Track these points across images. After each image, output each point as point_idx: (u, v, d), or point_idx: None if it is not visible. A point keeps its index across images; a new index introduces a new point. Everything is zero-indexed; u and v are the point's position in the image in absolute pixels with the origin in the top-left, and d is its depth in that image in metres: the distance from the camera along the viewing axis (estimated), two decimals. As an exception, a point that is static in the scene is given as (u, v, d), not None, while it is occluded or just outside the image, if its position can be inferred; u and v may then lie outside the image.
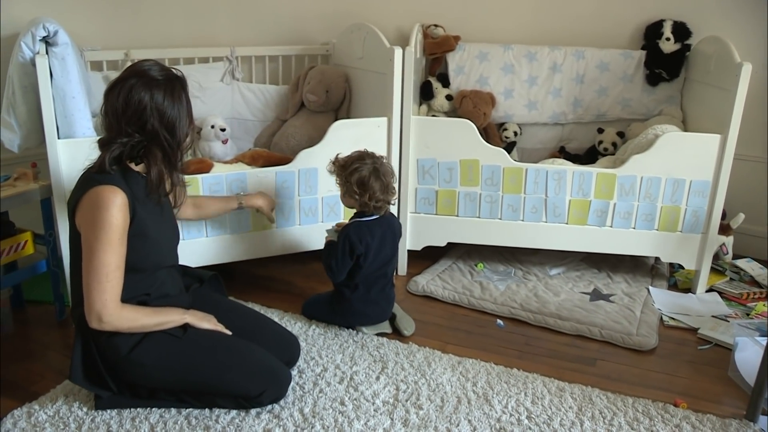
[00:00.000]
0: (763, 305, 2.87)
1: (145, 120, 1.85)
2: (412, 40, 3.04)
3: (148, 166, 1.91)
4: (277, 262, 3.13)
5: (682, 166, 2.87)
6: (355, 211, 2.59)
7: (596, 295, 2.94)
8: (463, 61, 3.54)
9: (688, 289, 3.07)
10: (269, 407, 2.08)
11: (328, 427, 2.00)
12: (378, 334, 2.58)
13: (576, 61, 3.48)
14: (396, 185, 2.58)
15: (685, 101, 3.40)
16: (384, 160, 2.54)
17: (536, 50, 3.50)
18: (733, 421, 2.09)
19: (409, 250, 3.16)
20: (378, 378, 2.27)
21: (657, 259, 3.29)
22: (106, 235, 1.82)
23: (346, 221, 2.63)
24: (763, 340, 2.39)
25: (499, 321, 2.74)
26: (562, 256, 3.32)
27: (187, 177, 2.59)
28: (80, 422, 2.00)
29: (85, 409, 2.05)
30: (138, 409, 2.05)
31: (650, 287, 3.04)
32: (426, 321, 2.72)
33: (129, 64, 3.15)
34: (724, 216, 3.13)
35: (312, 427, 2.00)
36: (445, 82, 3.54)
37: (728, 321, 2.75)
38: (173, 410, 2.05)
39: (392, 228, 2.60)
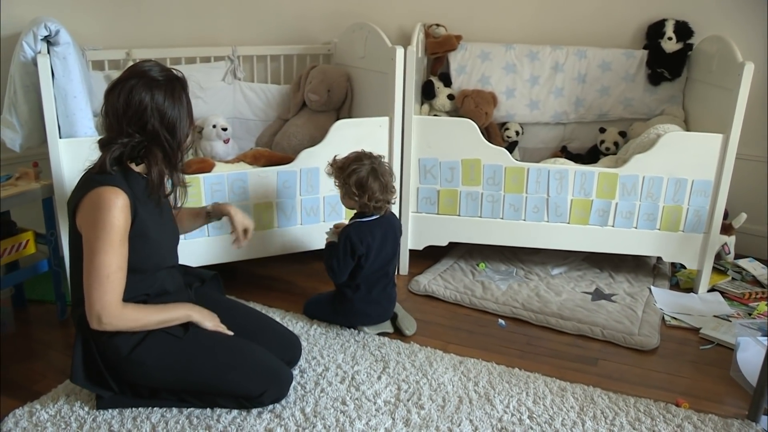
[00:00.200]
0: (765, 305, 2.86)
1: (146, 120, 1.85)
2: (413, 39, 3.03)
3: (149, 166, 1.91)
4: (278, 261, 3.13)
5: (684, 165, 2.87)
6: (355, 211, 2.59)
7: (598, 295, 2.94)
8: (465, 60, 3.54)
9: (690, 289, 3.07)
10: (270, 407, 2.08)
11: (329, 427, 2.00)
12: (379, 334, 2.57)
13: (578, 61, 3.47)
14: (395, 184, 2.57)
15: (687, 101, 3.39)
16: (382, 160, 2.53)
17: (538, 50, 3.50)
18: (735, 421, 2.09)
19: (410, 250, 3.16)
20: (379, 378, 2.27)
21: (659, 258, 3.29)
22: (107, 236, 1.82)
23: (346, 221, 2.63)
24: (765, 340, 2.39)
25: (500, 321, 2.74)
26: (564, 256, 3.32)
27: (188, 177, 2.59)
28: (82, 422, 2.00)
29: (86, 409, 2.05)
30: (139, 408, 2.05)
31: (652, 287, 3.04)
32: (427, 321, 2.72)
33: (130, 63, 3.16)
34: (726, 216, 3.12)
35: (313, 427, 2.00)
36: (447, 81, 3.54)
37: (730, 321, 2.75)
38: (174, 410, 2.05)
39: (393, 227, 2.60)
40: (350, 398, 2.15)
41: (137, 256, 1.91)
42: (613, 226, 2.98)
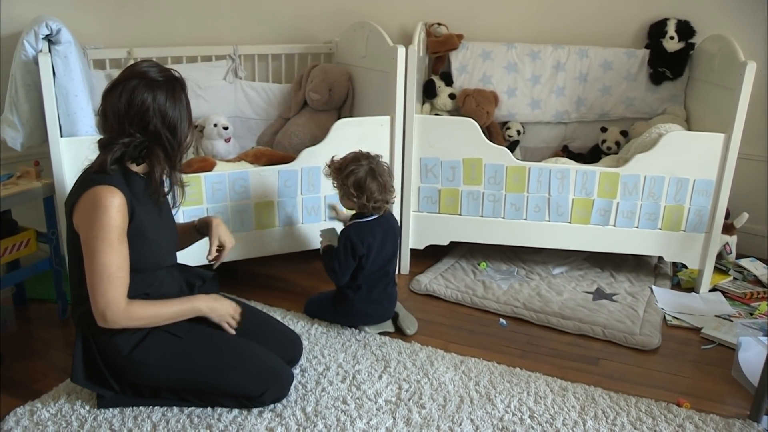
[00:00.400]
0: (767, 305, 2.86)
1: (148, 121, 1.85)
2: (415, 38, 3.03)
3: (151, 166, 1.91)
4: (279, 260, 3.13)
5: (685, 165, 2.86)
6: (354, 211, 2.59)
7: (599, 295, 2.93)
8: (466, 59, 3.54)
9: (692, 289, 3.06)
10: (271, 406, 2.08)
11: (330, 426, 2.00)
12: (381, 333, 2.57)
13: (579, 60, 3.47)
14: (394, 184, 2.57)
15: (688, 100, 3.39)
16: (380, 160, 2.53)
17: (539, 49, 3.49)
18: (736, 422, 2.09)
19: (411, 249, 3.15)
20: (380, 377, 2.27)
21: (660, 258, 3.29)
22: (105, 236, 1.82)
23: (343, 209, 2.67)
24: (766, 340, 2.39)
25: (501, 320, 2.74)
26: (565, 255, 3.31)
27: (189, 176, 2.60)
28: (83, 420, 2.00)
29: (87, 408, 2.05)
30: (140, 407, 2.05)
31: (653, 287, 3.04)
32: (428, 320, 2.72)
33: (132, 62, 3.16)
34: (727, 215, 3.12)
35: (314, 426, 2.00)
36: (448, 80, 3.54)
37: (731, 321, 2.74)
38: (175, 409, 2.05)
39: (392, 227, 2.60)
40: (351, 397, 2.15)
41: (136, 255, 1.90)
42: (614, 226, 2.97)
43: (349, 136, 2.85)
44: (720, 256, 3.22)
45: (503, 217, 3.02)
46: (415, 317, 2.67)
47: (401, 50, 2.85)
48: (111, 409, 2.04)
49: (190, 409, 2.05)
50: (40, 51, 2.37)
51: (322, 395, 2.15)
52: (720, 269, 3.18)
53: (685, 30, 3.31)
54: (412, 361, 2.37)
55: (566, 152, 3.55)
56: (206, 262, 2.61)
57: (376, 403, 2.12)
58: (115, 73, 3.13)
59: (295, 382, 2.18)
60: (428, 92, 3.48)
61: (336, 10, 3.72)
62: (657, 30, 3.37)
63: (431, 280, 3.02)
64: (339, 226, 2.71)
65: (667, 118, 3.31)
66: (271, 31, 3.74)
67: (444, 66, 3.59)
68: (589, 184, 2.92)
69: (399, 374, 2.29)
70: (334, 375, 2.27)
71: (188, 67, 3.44)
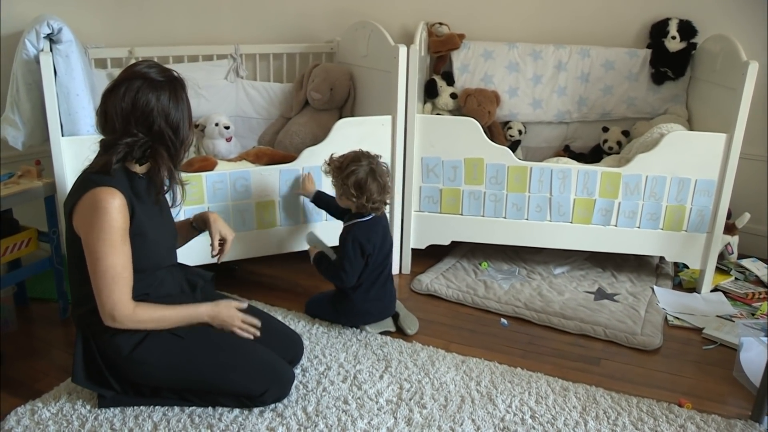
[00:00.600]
0: (769, 305, 2.86)
1: (152, 121, 1.86)
2: (416, 38, 3.03)
3: (156, 165, 1.92)
4: (280, 260, 3.12)
5: (687, 165, 2.86)
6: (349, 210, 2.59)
7: (600, 295, 2.93)
8: (468, 59, 3.53)
9: (693, 289, 3.06)
10: (272, 406, 2.07)
11: (331, 426, 2.00)
12: (382, 333, 2.57)
13: (581, 60, 3.47)
14: (391, 184, 2.57)
15: (690, 100, 3.38)
16: (379, 160, 2.52)
17: (541, 49, 3.49)
18: (738, 422, 2.08)
19: (413, 249, 3.15)
20: (381, 377, 2.26)
21: (662, 258, 3.28)
22: (108, 238, 1.82)
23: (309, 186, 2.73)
24: (767, 341, 2.39)
25: (503, 320, 2.74)
26: (567, 255, 3.31)
27: (191, 175, 2.60)
28: (83, 420, 2.00)
29: (88, 407, 2.05)
30: (141, 407, 2.05)
31: (655, 287, 3.03)
32: (430, 320, 2.72)
33: (133, 61, 3.16)
34: (729, 215, 3.11)
35: (315, 426, 1.99)
36: (450, 80, 3.54)
37: (733, 321, 2.74)
38: (176, 409, 2.05)
39: (386, 224, 2.62)
40: (352, 397, 2.14)
41: (136, 255, 1.90)
42: (616, 226, 2.97)
43: (350, 135, 2.85)
44: (721, 257, 3.22)
45: (504, 217, 3.01)
46: (417, 317, 2.67)
47: (403, 50, 2.84)
48: (112, 409, 2.04)
49: (191, 408, 2.05)
50: (42, 50, 2.37)
51: (323, 395, 2.15)
52: (721, 269, 3.17)
53: (687, 30, 3.31)
54: (414, 360, 2.37)
55: (568, 152, 3.54)
56: (205, 263, 2.62)
57: (377, 403, 2.12)
58: (117, 72, 3.12)
59: (296, 381, 2.18)
60: (430, 92, 3.47)
61: (337, 10, 3.71)
62: (659, 30, 3.37)
63: (432, 280, 3.02)
64: (316, 226, 2.72)
65: (669, 118, 3.30)
66: (273, 31, 3.74)
67: (445, 65, 3.58)
68: (591, 184, 2.92)
69: (400, 374, 2.28)
70: (335, 375, 2.27)
71: (189, 67, 3.44)
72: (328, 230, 2.83)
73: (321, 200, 2.81)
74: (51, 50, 2.40)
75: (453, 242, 3.14)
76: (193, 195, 2.64)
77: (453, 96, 3.48)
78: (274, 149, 3.22)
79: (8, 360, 2.35)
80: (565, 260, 3.28)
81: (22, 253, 2.58)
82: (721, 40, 3.03)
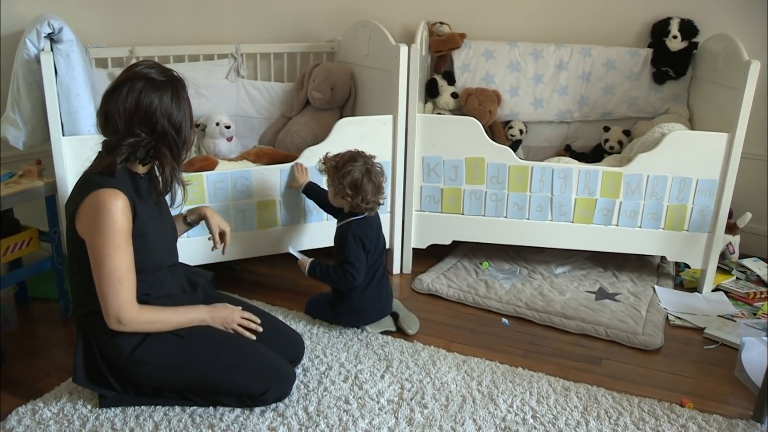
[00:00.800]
0: (770, 305, 2.86)
1: (156, 121, 1.86)
2: (417, 37, 3.02)
3: (161, 165, 1.92)
4: (281, 260, 3.11)
5: (688, 164, 2.86)
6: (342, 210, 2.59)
7: (602, 294, 2.93)
8: (469, 58, 3.53)
9: (694, 289, 3.06)
10: (273, 405, 2.07)
11: (332, 426, 2.00)
12: (382, 333, 2.57)
13: (582, 59, 3.46)
14: (386, 184, 2.57)
15: (691, 99, 3.38)
16: (374, 160, 2.52)
17: (542, 48, 3.48)
18: (740, 422, 2.08)
19: (414, 249, 3.15)
20: (383, 377, 2.26)
21: (663, 258, 3.28)
22: (112, 240, 1.82)
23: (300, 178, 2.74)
24: (770, 340, 2.38)
25: (504, 320, 2.73)
26: (568, 255, 3.31)
27: (192, 174, 2.60)
28: (84, 420, 2.00)
29: (89, 407, 2.05)
30: (142, 407, 2.05)
31: (656, 286, 3.03)
32: (431, 319, 2.71)
33: (134, 60, 3.16)
34: (730, 215, 3.11)
35: (316, 426, 1.99)
36: (451, 79, 3.53)
37: (735, 321, 2.74)
38: (177, 408, 2.05)
39: (379, 222, 2.61)
40: (353, 397, 2.14)
41: (137, 255, 1.90)
42: (617, 226, 2.97)
43: (351, 135, 2.84)
44: (723, 256, 3.21)
45: (506, 217, 3.01)
46: (417, 317, 2.66)
47: (404, 49, 2.84)
48: (113, 409, 2.04)
49: (192, 408, 2.05)
50: (42, 49, 2.37)
51: (324, 395, 2.15)
52: (723, 269, 3.17)
53: (688, 29, 3.31)
54: (415, 360, 2.37)
55: (569, 152, 3.54)
56: (211, 261, 2.63)
57: (378, 402, 2.12)
58: (117, 71, 3.12)
59: (297, 381, 2.18)
60: (431, 91, 3.47)
61: (338, 9, 3.71)
62: (660, 29, 3.36)
63: (433, 280, 3.02)
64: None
65: (670, 117, 3.30)
66: (274, 30, 3.74)
67: (446, 65, 3.58)
68: (592, 184, 2.91)
69: (401, 374, 2.28)
70: (336, 374, 2.27)
71: (190, 66, 3.44)
72: (329, 230, 2.82)
73: (312, 191, 2.79)
74: (52, 50, 2.40)
75: (454, 242, 3.13)
76: (194, 194, 2.64)
77: (454, 95, 3.47)
78: (274, 149, 3.22)
79: (9, 360, 2.35)
80: (567, 260, 3.28)
81: (23, 252, 2.58)
82: (723, 40, 3.03)
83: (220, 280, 2.63)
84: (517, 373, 2.31)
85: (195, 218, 2.36)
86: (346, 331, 2.56)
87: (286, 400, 2.10)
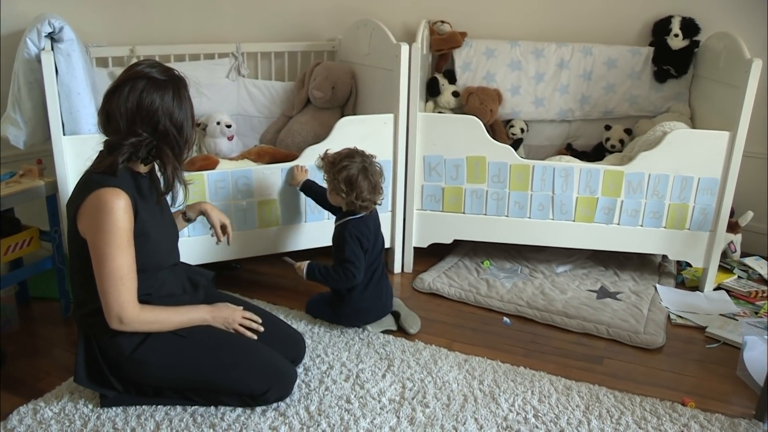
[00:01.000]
0: (772, 304, 2.85)
1: (157, 121, 1.86)
2: (418, 36, 3.02)
3: (163, 165, 1.92)
4: (282, 259, 3.12)
5: (690, 163, 2.85)
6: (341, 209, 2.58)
7: (603, 293, 2.93)
8: (470, 57, 3.53)
9: (696, 287, 3.05)
10: (275, 405, 2.07)
11: (334, 425, 2.00)
12: (384, 332, 2.57)
13: (583, 58, 3.46)
14: (384, 185, 2.56)
15: (693, 98, 3.37)
16: (373, 160, 2.51)
17: (543, 47, 3.48)
18: (742, 421, 2.08)
19: (415, 247, 3.15)
20: (384, 376, 2.26)
21: (664, 257, 3.28)
22: (114, 239, 1.82)
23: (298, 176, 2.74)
24: (772, 339, 2.38)
25: (505, 319, 2.73)
26: (569, 254, 3.30)
27: (193, 174, 2.60)
28: (86, 419, 2.00)
29: (90, 407, 2.05)
30: (143, 406, 2.05)
31: (657, 285, 3.03)
32: (432, 318, 2.71)
33: (134, 60, 3.15)
34: (732, 213, 3.11)
35: (318, 425, 1.99)
36: (452, 78, 3.53)
37: (736, 319, 2.73)
38: (179, 408, 2.05)
39: (378, 221, 2.61)
40: (355, 396, 2.14)
41: (139, 255, 1.90)
42: (618, 224, 2.96)
43: (352, 134, 2.84)
44: (724, 255, 3.21)
45: (507, 216, 3.01)
46: (419, 316, 2.66)
47: (404, 48, 2.84)
48: (114, 408, 2.04)
49: (193, 408, 2.05)
50: (43, 49, 2.37)
51: (326, 394, 2.15)
52: (724, 268, 3.16)
53: (690, 27, 3.30)
54: (416, 359, 2.37)
55: (570, 150, 3.54)
56: (212, 260, 2.62)
57: (379, 402, 2.12)
58: (118, 70, 3.13)
59: (298, 381, 2.18)
60: (432, 90, 3.47)
61: (339, 8, 3.71)
62: (661, 27, 3.36)
63: (434, 279, 3.02)
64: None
65: (672, 116, 3.29)
66: (274, 29, 3.73)
67: (447, 64, 3.58)
68: (593, 183, 2.91)
69: (402, 373, 2.28)
70: (337, 374, 2.27)
71: (191, 65, 3.44)
72: (329, 230, 2.82)
73: (309, 189, 2.79)
74: (52, 49, 2.39)
75: (455, 241, 3.13)
76: (195, 194, 2.64)
77: (455, 94, 3.47)
78: (275, 148, 3.21)
79: (10, 359, 2.35)
80: (568, 259, 3.28)
81: (24, 252, 2.58)
82: (724, 38, 3.02)
83: (221, 280, 2.63)
84: (518, 372, 2.31)
85: (194, 214, 2.38)
86: (348, 331, 2.56)
87: (288, 400, 2.10)
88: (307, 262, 2.55)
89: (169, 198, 2.03)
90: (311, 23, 3.76)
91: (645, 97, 3.45)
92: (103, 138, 1.92)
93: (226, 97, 3.57)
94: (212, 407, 2.05)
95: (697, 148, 2.83)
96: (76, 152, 2.43)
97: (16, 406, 2.06)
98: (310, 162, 2.82)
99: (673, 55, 3.32)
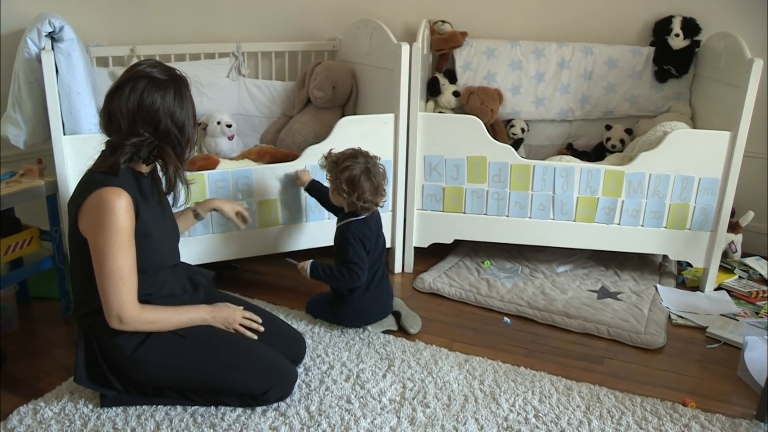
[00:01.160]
0: (773, 304, 2.85)
1: (159, 120, 1.86)
2: (419, 36, 3.02)
3: (165, 165, 1.92)
4: (282, 259, 3.10)
5: (691, 163, 2.85)
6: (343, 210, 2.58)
7: (604, 293, 2.92)
8: (471, 57, 3.52)
9: (697, 288, 3.05)
10: (275, 405, 2.07)
11: (334, 426, 1.99)
12: (384, 332, 2.56)
13: (584, 58, 3.45)
14: (387, 187, 2.56)
15: (694, 98, 3.37)
16: (377, 161, 2.51)
17: (544, 46, 3.48)
18: (743, 421, 2.08)
19: (415, 247, 3.15)
20: (384, 376, 2.26)
21: (665, 257, 3.27)
22: (115, 239, 1.82)
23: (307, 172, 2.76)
24: (772, 340, 2.38)
25: (506, 319, 2.73)
26: (570, 254, 3.30)
27: (193, 174, 2.60)
28: (86, 419, 2.00)
29: (90, 407, 2.05)
30: (144, 406, 2.05)
31: (658, 285, 3.03)
32: (432, 318, 2.71)
33: (135, 59, 3.16)
34: (733, 213, 3.11)
35: (318, 425, 1.99)
36: (452, 78, 3.52)
37: (737, 320, 2.73)
38: (179, 408, 2.05)
39: (380, 222, 2.61)
40: (355, 396, 2.14)
41: (140, 255, 1.90)
42: (619, 224, 2.96)
43: (352, 133, 2.84)
44: (725, 255, 3.21)
45: (507, 216, 3.01)
46: (419, 316, 2.66)
47: (405, 48, 2.84)
48: (114, 408, 2.04)
49: (193, 408, 2.05)
50: (43, 48, 2.37)
51: (326, 394, 2.15)
52: (725, 268, 3.16)
53: (691, 27, 3.29)
54: (416, 359, 2.36)
55: (571, 150, 3.53)
56: (213, 260, 2.63)
57: (380, 402, 2.12)
58: (118, 70, 3.14)
59: (298, 381, 2.18)
60: (432, 90, 3.46)
61: (339, 8, 3.70)
62: (662, 27, 3.35)
63: (435, 279, 3.01)
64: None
65: (672, 115, 3.29)
66: (275, 29, 3.73)
67: (448, 63, 3.57)
68: (594, 183, 2.91)
69: (403, 373, 2.28)
70: (337, 374, 2.27)
71: (191, 65, 3.43)
72: (329, 229, 2.82)
73: (314, 189, 2.78)
74: (53, 48, 2.39)
75: (455, 241, 3.13)
76: (196, 194, 2.63)
77: (455, 94, 3.47)
78: (276, 147, 3.21)
79: (10, 359, 2.34)
80: (568, 258, 3.28)
81: (24, 252, 2.58)
82: (725, 38, 3.02)
83: (221, 280, 2.63)
84: (519, 373, 2.31)
85: (205, 212, 2.44)
86: (348, 331, 2.56)
87: (288, 400, 2.10)
88: (311, 261, 2.55)
89: (170, 198, 2.03)
90: (312, 23, 3.76)
91: (646, 97, 3.45)
92: (105, 138, 1.92)
93: (226, 97, 3.57)
94: (212, 407, 2.05)
95: (697, 148, 2.83)
96: (76, 152, 2.43)
97: (16, 406, 2.06)
98: (310, 162, 2.82)
99: (673, 54, 3.32)
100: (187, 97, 1.93)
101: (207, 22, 3.63)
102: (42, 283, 2.84)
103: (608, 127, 3.44)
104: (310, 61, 3.65)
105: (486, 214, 3.02)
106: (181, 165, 1.95)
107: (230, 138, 3.31)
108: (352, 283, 2.48)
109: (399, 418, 2.04)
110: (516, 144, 3.48)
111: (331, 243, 2.62)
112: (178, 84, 1.91)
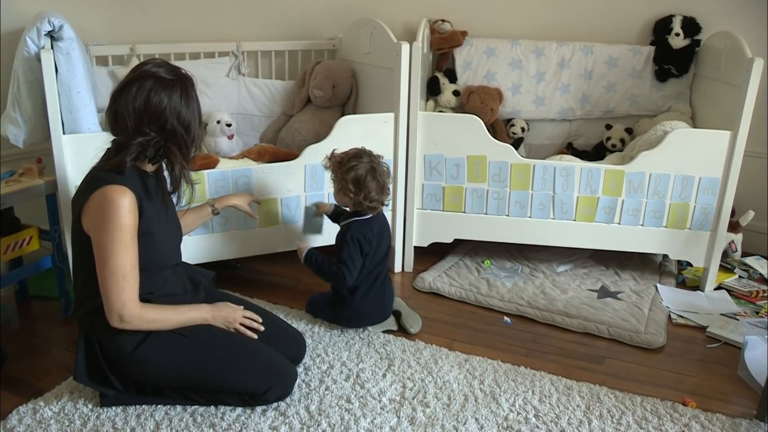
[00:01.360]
0: (773, 303, 2.85)
1: (165, 120, 1.86)
2: (419, 35, 3.01)
3: (171, 164, 1.92)
4: (282, 258, 3.11)
5: (691, 162, 2.85)
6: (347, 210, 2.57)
7: (604, 293, 2.92)
8: (471, 56, 3.52)
9: (697, 287, 3.05)
10: (275, 404, 2.07)
11: (334, 425, 1.99)
12: (384, 332, 2.56)
13: (584, 57, 3.45)
14: (397, 182, 2.56)
15: (694, 97, 3.37)
16: (381, 160, 2.51)
17: (544, 46, 3.47)
18: (743, 421, 2.08)
19: (415, 247, 3.14)
20: (384, 375, 2.26)
21: (665, 256, 3.27)
22: (118, 237, 1.82)
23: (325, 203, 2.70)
24: (773, 339, 2.38)
25: (506, 318, 2.73)
26: (570, 253, 3.30)
27: (194, 174, 2.59)
28: (85, 419, 1.99)
29: (90, 406, 2.05)
30: (143, 406, 2.05)
31: (658, 285, 3.02)
32: (432, 318, 2.71)
33: (134, 58, 3.16)
34: (733, 213, 3.10)
35: (318, 425, 1.99)
36: (452, 77, 3.52)
37: (737, 319, 2.73)
38: (179, 407, 2.05)
39: (385, 224, 2.60)
40: (355, 396, 2.14)
41: (142, 254, 1.90)
42: (619, 224, 2.96)
43: (352, 133, 2.83)
44: (725, 254, 3.20)
45: (507, 215, 3.00)
46: (419, 315, 2.66)
47: (405, 47, 2.83)
48: (114, 408, 2.04)
49: (193, 407, 2.05)
50: (43, 47, 2.36)
51: (326, 394, 2.14)
52: (725, 267, 3.16)
53: (691, 26, 3.29)
54: (416, 359, 2.36)
55: (571, 149, 3.53)
56: (213, 259, 2.63)
57: (380, 401, 2.11)
58: (118, 69, 3.15)
59: (298, 380, 2.18)
60: (432, 89, 3.46)
61: (339, 7, 3.70)
62: (662, 26, 3.35)
63: (435, 278, 3.01)
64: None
65: (673, 115, 3.29)
66: (275, 28, 3.73)
67: (448, 63, 3.57)
68: (594, 182, 2.91)
69: (403, 373, 2.28)
70: (337, 373, 2.26)
71: (191, 64, 3.43)
72: (329, 229, 2.82)
73: (336, 213, 2.73)
74: (52, 48, 2.39)
75: (456, 240, 3.13)
76: (197, 193, 2.63)
77: (456, 93, 3.46)
78: (276, 147, 3.21)
79: (10, 359, 2.34)
80: (568, 258, 3.27)
81: (24, 251, 2.58)
82: (726, 37, 3.02)
83: (221, 279, 2.62)
84: (519, 372, 2.31)
85: (222, 207, 2.51)
86: (348, 330, 2.55)
87: (288, 399, 2.10)
88: (310, 247, 2.55)
89: (174, 197, 2.03)
90: (312, 22, 3.75)
91: (646, 97, 3.45)
92: (107, 137, 1.92)
93: (226, 96, 3.57)
94: (212, 407, 2.05)
95: (698, 148, 2.83)
96: (75, 151, 2.43)
97: (16, 405, 2.06)
98: (309, 161, 2.81)
99: (674, 54, 3.32)
100: (193, 97, 1.94)
101: (207, 21, 3.63)
102: (41, 282, 2.84)
103: (608, 127, 3.44)
104: (310, 61, 3.65)
105: (486, 214, 3.02)
106: (186, 164, 1.96)
107: (230, 137, 3.31)
108: (338, 283, 2.48)
109: (399, 417, 2.04)
110: (516, 143, 3.48)
111: (332, 243, 2.62)
112: (184, 83, 1.91)
